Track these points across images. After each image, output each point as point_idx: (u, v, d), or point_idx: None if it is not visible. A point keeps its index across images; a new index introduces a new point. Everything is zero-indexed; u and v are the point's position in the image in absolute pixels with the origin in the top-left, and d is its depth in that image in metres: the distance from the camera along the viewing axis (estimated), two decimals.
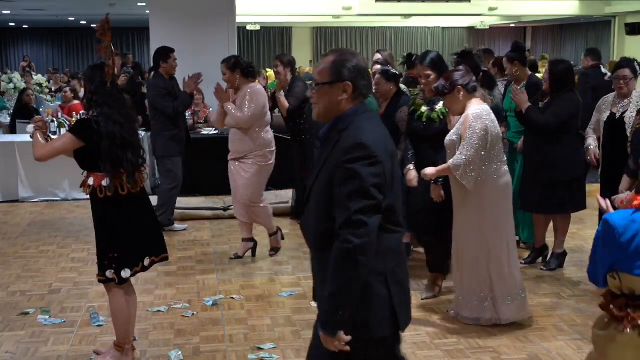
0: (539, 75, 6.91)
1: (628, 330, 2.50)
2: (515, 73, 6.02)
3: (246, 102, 5.71)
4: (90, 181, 3.80)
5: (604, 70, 8.26)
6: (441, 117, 4.77)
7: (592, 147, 5.48)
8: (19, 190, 8.41)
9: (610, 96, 5.48)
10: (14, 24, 23.93)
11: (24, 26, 24.73)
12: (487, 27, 24.55)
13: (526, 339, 4.35)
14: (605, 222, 2.51)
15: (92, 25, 24.79)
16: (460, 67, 4.50)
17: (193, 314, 4.81)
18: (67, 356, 4.15)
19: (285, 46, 24.44)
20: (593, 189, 6.19)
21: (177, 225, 7.05)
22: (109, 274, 3.81)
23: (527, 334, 4.42)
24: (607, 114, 5.38)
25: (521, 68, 6.00)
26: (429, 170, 4.44)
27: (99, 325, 4.58)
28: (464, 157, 4.23)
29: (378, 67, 6.07)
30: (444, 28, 25.67)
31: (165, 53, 6.85)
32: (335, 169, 2.42)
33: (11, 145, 8.45)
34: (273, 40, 24.67)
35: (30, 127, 3.95)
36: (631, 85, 5.34)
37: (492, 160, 4.34)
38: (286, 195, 7.68)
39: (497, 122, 4.41)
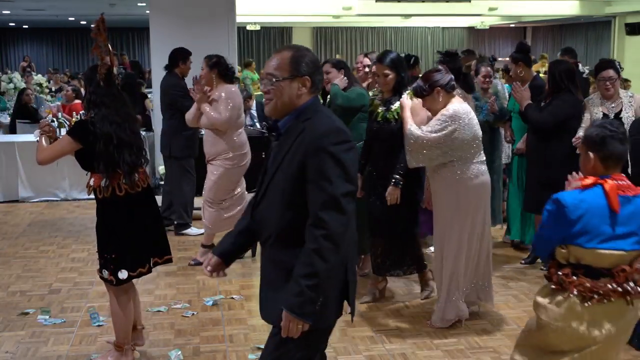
0: (543, 76, 6.92)
1: (575, 292, 2.71)
2: (519, 74, 6.02)
3: (222, 104, 5.67)
4: (91, 182, 3.82)
5: (581, 68, 8.28)
6: (396, 117, 4.64)
7: (580, 133, 5.18)
8: (19, 190, 8.42)
9: (595, 97, 5.48)
10: (14, 24, 23.93)
11: (24, 26, 24.72)
12: (487, 27, 24.54)
13: None
14: (557, 201, 2.76)
15: (92, 25, 24.80)
16: (440, 68, 4.48)
17: (193, 314, 4.81)
18: (67, 356, 4.15)
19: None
20: None
21: (193, 230, 6.92)
22: (105, 273, 3.82)
23: None
24: (599, 114, 5.31)
25: (525, 69, 6.01)
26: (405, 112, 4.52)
27: (99, 325, 4.58)
28: (422, 134, 4.29)
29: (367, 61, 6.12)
30: (444, 28, 25.66)
31: (185, 55, 6.94)
32: (305, 156, 2.41)
33: (11, 145, 8.46)
34: (273, 40, 24.66)
35: (37, 132, 3.94)
36: (616, 86, 5.34)
37: (471, 162, 4.35)
38: None
39: (475, 123, 4.37)
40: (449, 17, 21.05)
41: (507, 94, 6.46)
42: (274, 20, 21.57)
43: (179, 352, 4.15)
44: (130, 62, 14.06)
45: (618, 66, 5.44)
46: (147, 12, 9.77)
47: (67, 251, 6.36)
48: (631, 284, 2.70)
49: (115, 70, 3.92)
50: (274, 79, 2.52)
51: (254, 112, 10.32)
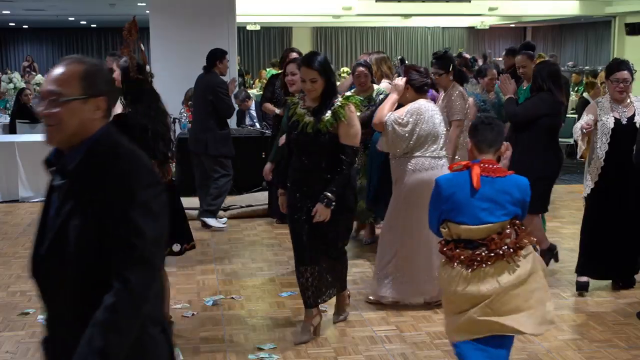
0: None
1: (455, 265, 3.19)
2: (526, 70, 6.20)
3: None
4: None
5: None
6: (329, 127, 4.12)
7: (582, 121, 5.07)
8: (19, 190, 8.42)
9: (604, 101, 5.10)
10: (14, 24, 23.92)
11: (24, 26, 24.72)
12: (487, 27, 24.53)
13: (526, 339, 4.35)
14: (436, 182, 3.26)
15: (92, 25, 24.84)
16: (420, 69, 4.88)
17: (193, 314, 4.81)
18: None
19: (285, 46, 24.41)
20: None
21: (213, 221, 7.09)
22: None
23: (527, 334, 4.42)
24: (610, 120, 5.02)
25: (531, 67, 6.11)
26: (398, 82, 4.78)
27: None
28: (391, 119, 4.66)
29: (361, 68, 6.05)
30: (444, 28, 25.66)
31: (222, 54, 7.13)
32: (105, 203, 1.90)
33: (11, 145, 8.46)
34: (273, 40, 24.67)
35: None
36: (630, 89, 5.04)
37: (422, 155, 4.69)
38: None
39: (437, 122, 4.73)
40: (449, 17, 21.05)
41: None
42: (274, 20, 21.57)
43: (179, 352, 4.15)
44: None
45: (632, 68, 5.17)
46: (147, 12, 9.77)
47: None
48: (504, 247, 3.15)
49: (147, 68, 4.20)
50: (60, 99, 1.95)
51: (253, 112, 10.32)
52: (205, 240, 6.66)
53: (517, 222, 3.21)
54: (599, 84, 10.23)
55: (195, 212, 7.43)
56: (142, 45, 4.21)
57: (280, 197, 4.45)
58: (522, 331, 3.22)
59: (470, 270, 3.16)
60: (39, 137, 8.94)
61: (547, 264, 5.60)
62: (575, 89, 13.58)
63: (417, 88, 4.77)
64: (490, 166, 3.17)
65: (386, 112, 4.74)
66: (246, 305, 4.95)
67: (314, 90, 4.13)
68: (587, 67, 17.84)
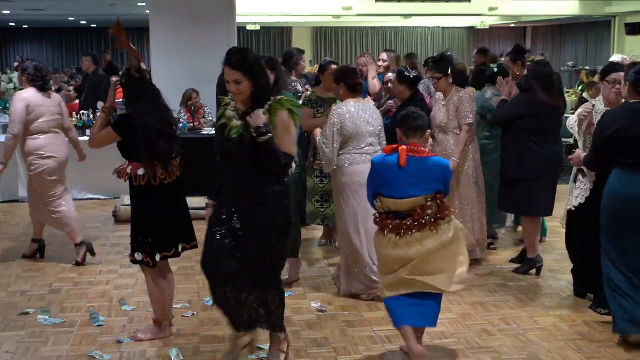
0: None
1: (386, 232, 3.79)
2: (516, 72, 6.34)
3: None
4: (128, 169, 4.16)
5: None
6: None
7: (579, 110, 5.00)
8: (19, 190, 8.41)
9: (598, 104, 4.88)
10: (14, 24, 23.92)
11: (24, 26, 24.71)
12: (487, 27, 24.52)
13: (526, 339, 4.35)
14: (372, 162, 3.92)
15: (92, 25, 24.82)
16: (355, 68, 5.22)
17: (193, 314, 4.81)
18: (67, 356, 4.15)
19: (285, 46, 24.42)
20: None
21: None
22: (139, 256, 4.20)
23: (527, 334, 4.43)
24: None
25: (521, 69, 6.24)
26: None
27: (99, 325, 4.58)
28: (323, 138, 4.95)
29: (390, 75, 6.17)
30: (444, 28, 25.64)
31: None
32: None
33: None
34: (273, 40, 24.66)
35: (100, 104, 4.30)
36: (624, 91, 4.70)
37: (352, 150, 4.93)
38: None
39: (359, 123, 4.91)
40: (449, 17, 21.04)
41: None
42: (274, 20, 21.57)
43: (179, 352, 4.15)
44: (109, 62, 13.93)
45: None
46: (147, 12, 9.77)
47: (67, 251, 6.36)
48: (426, 217, 3.72)
49: (143, 65, 4.20)
50: None
51: None
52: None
53: (439, 195, 3.78)
54: (599, 84, 10.23)
55: (198, 212, 7.42)
56: (132, 45, 4.20)
57: (207, 209, 3.96)
58: (440, 289, 3.77)
59: (398, 237, 3.75)
60: None
61: (526, 272, 5.60)
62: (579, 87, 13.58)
63: (350, 87, 5.01)
64: (415, 148, 3.76)
65: (318, 134, 5.13)
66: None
67: (240, 93, 3.64)
68: (587, 67, 17.85)
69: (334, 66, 5.70)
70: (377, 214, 3.90)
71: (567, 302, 5.01)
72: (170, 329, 4.43)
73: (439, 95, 5.75)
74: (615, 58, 6.46)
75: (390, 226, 3.77)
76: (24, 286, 5.41)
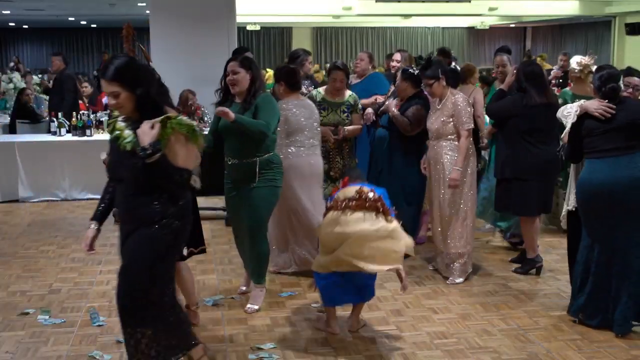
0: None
1: (332, 212, 4.14)
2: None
3: None
4: None
5: (454, 65, 8.36)
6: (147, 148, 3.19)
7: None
8: (19, 190, 8.41)
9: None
10: (14, 24, 23.94)
11: (24, 26, 24.73)
12: (487, 27, 24.55)
13: (526, 339, 4.35)
14: None
15: (92, 25, 24.82)
16: (296, 69, 5.57)
17: None
18: (67, 356, 4.15)
19: (285, 46, 24.45)
20: None
21: None
22: None
23: (527, 334, 4.43)
24: None
25: (509, 68, 6.33)
26: None
27: (99, 325, 4.58)
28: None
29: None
30: (444, 28, 25.67)
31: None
32: None
33: (11, 145, 8.45)
34: (273, 40, 24.68)
35: (104, 153, 3.88)
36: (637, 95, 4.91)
37: (291, 144, 5.32)
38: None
39: (300, 119, 5.27)
40: (449, 17, 21.07)
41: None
42: (274, 20, 21.59)
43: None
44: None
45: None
46: (147, 12, 9.77)
47: (67, 251, 6.36)
48: (368, 199, 4.08)
49: (150, 63, 4.27)
50: None
51: None
52: (205, 240, 6.64)
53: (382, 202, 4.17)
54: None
55: (209, 212, 7.41)
56: (141, 45, 4.20)
57: (88, 230, 3.52)
58: (366, 270, 4.08)
59: (342, 213, 4.08)
60: (39, 137, 8.96)
61: (526, 272, 5.61)
62: None
63: (290, 86, 5.36)
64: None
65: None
66: (246, 305, 4.95)
67: (121, 106, 3.27)
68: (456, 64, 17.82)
69: (339, 72, 5.89)
70: (330, 200, 4.29)
71: (567, 302, 5.00)
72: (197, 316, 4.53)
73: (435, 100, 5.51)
74: (575, 59, 6.63)
75: (338, 205, 4.13)
76: (24, 286, 5.41)
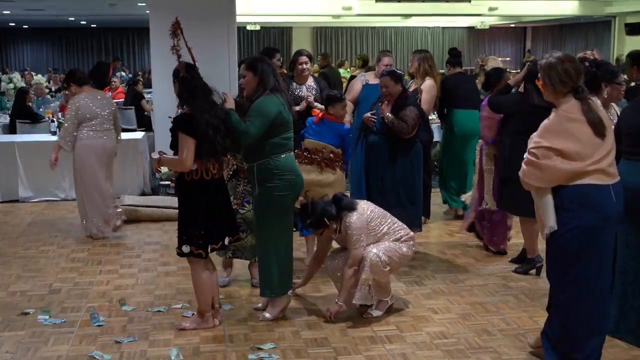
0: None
1: (299, 162, 4.89)
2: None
3: None
4: None
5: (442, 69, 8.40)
6: None
7: None
8: (19, 190, 8.41)
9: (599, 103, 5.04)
10: (14, 24, 23.95)
11: (24, 26, 24.74)
12: (487, 27, 24.55)
13: (526, 339, 4.35)
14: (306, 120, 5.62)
15: (92, 25, 24.82)
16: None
17: (193, 314, 4.80)
18: (67, 356, 4.15)
19: (285, 46, 24.47)
20: None
21: None
22: (185, 249, 4.30)
23: (527, 334, 4.43)
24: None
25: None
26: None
27: (99, 325, 4.58)
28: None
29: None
30: (444, 28, 25.67)
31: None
32: None
33: (11, 145, 8.45)
34: (273, 40, 24.70)
35: (155, 153, 4.42)
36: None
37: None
38: None
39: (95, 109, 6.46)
40: (449, 17, 21.07)
41: None
42: (274, 20, 21.60)
43: (179, 352, 4.15)
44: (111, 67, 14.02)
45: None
46: (147, 12, 9.77)
47: (67, 251, 6.36)
48: (318, 157, 5.36)
49: (196, 64, 4.38)
50: None
51: None
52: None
53: (338, 150, 5.43)
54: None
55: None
56: (188, 44, 4.31)
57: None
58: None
59: (302, 164, 5.09)
60: (39, 137, 8.96)
61: (526, 272, 5.61)
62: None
63: (79, 82, 6.61)
64: (330, 115, 5.48)
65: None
66: (246, 306, 4.95)
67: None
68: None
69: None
70: (299, 149, 5.34)
71: None
72: (214, 320, 4.52)
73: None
74: (495, 62, 6.74)
75: (301, 157, 5.26)
76: (24, 286, 5.41)
